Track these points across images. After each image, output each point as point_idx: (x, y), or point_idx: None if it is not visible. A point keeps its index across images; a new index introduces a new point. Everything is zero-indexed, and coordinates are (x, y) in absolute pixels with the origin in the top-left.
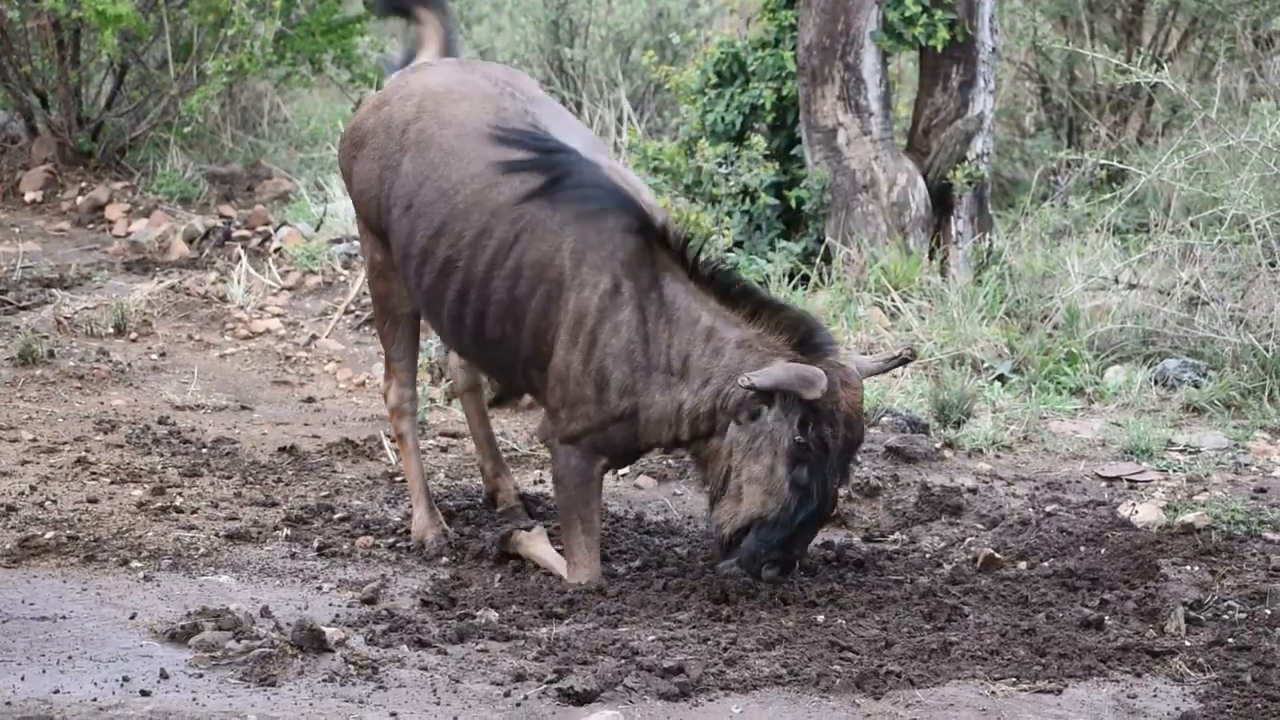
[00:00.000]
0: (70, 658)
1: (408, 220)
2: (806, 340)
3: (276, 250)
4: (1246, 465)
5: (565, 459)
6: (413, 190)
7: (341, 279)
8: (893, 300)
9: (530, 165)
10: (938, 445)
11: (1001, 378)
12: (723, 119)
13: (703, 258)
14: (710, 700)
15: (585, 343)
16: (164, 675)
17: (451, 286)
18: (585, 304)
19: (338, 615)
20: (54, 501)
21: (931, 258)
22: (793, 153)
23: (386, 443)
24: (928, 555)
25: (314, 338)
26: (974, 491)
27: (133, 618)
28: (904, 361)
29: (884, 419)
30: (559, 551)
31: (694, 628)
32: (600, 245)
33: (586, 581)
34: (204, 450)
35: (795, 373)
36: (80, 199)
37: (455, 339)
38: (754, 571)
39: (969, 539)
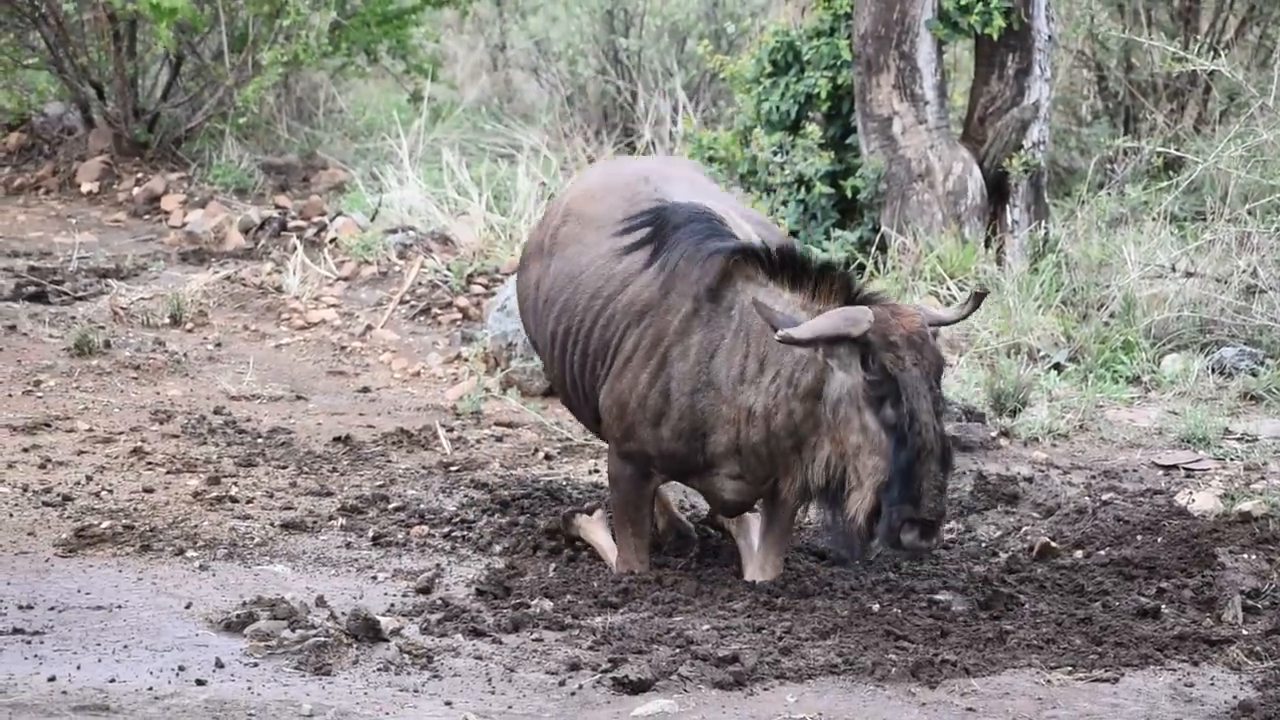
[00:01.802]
0: (126, 647)
1: (546, 311)
2: (855, 296)
3: (332, 240)
4: None
5: (620, 466)
6: (553, 285)
7: (397, 269)
8: (948, 289)
9: (640, 228)
10: (994, 434)
11: (1058, 366)
12: (778, 108)
13: (776, 257)
14: (765, 689)
15: (655, 364)
16: (219, 664)
17: (571, 357)
18: (664, 327)
19: (393, 604)
20: (110, 491)
21: (987, 246)
22: (848, 141)
23: (441, 432)
24: (984, 544)
25: (369, 328)
26: (1030, 480)
27: (188, 607)
28: (978, 299)
29: None
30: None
31: (749, 617)
32: (687, 274)
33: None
34: (259, 440)
35: (835, 317)
36: (136, 190)
37: (580, 412)
38: (896, 543)
39: (1025, 528)
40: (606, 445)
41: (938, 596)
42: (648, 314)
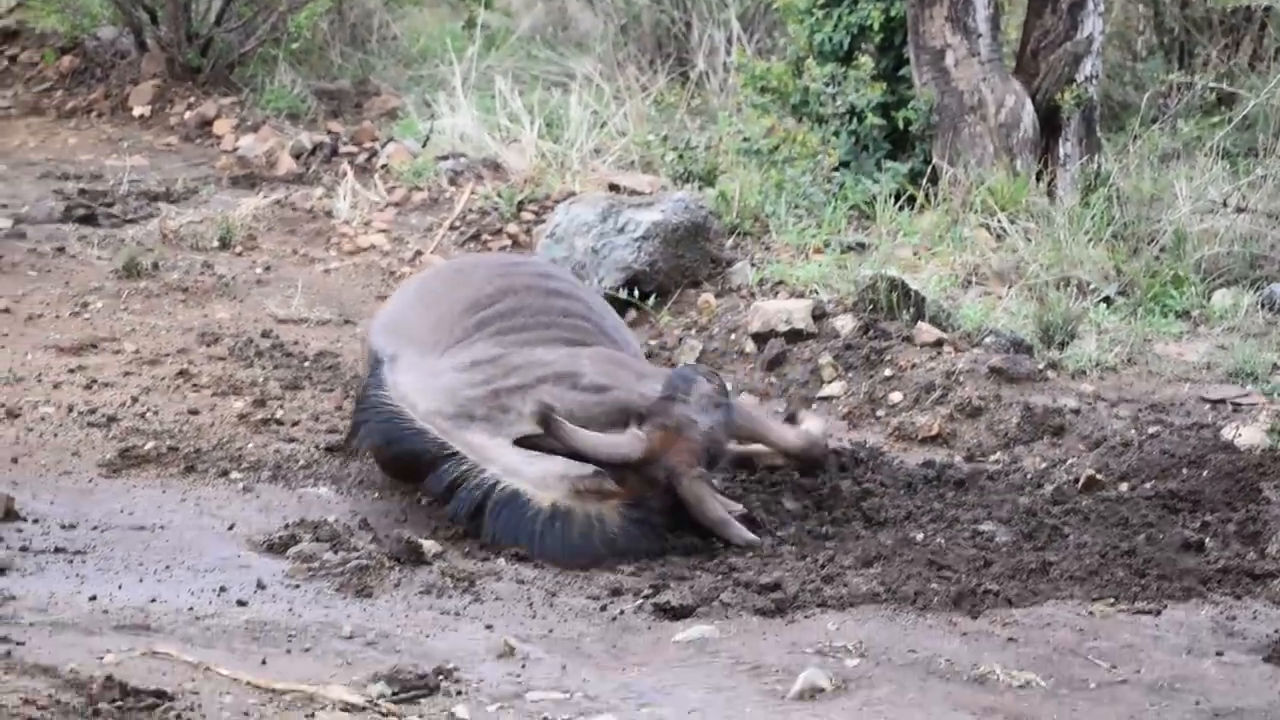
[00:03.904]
0: (168, 567)
1: None
2: None
3: (383, 166)
4: None
5: None
6: None
7: (447, 195)
8: (999, 222)
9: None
10: (1041, 366)
11: (1107, 300)
12: (830, 39)
13: None
14: (806, 617)
15: None
16: (261, 586)
17: None
18: None
19: (436, 528)
20: (155, 413)
21: (1039, 180)
22: (900, 73)
23: None
24: (1029, 475)
25: (419, 253)
26: (1076, 413)
27: (231, 528)
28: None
29: (987, 339)
30: None
31: (793, 545)
32: None
33: None
34: (306, 364)
35: None
36: (188, 114)
37: None
38: None
39: (1071, 460)
40: None
41: (982, 527)
42: None
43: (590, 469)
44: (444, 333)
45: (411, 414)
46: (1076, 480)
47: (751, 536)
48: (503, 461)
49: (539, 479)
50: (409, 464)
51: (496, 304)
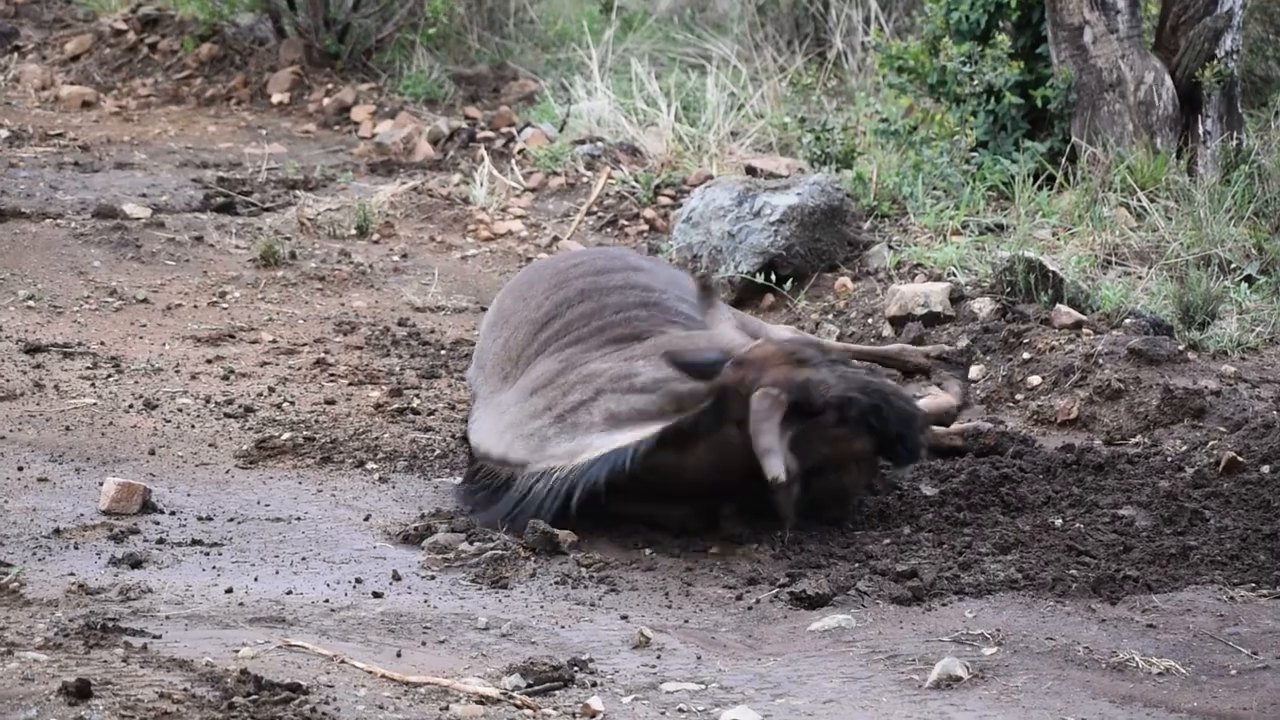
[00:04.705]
0: (304, 559)
1: None
2: None
3: (520, 152)
4: None
5: None
6: None
7: (584, 180)
8: (1139, 200)
9: None
10: (1181, 347)
11: (1249, 279)
12: (967, 17)
13: None
14: (943, 604)
15: None
16: (396, 577)
17: None
18: None
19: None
20: (292, 403)
21: (1179, 157)
22: (1038, 51)
23: None
24: (1169, 459)
25: (556, 239)
26: (1217, 394)
27: (367, 519)
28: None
29: (1127, 321)
30: None
31: (929, 532)
32: None
33: None
34: (442, 352)
35: None
36: (326, 101)
37: None
38: None
39: (1211, 442)
40: None
41: (1121, 511)
42: None
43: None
44: (510, 364)
45: (498, 470)
46: (1217, 463)
47: (780, 472)
48: (596, 443)
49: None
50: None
51: (553, 321)
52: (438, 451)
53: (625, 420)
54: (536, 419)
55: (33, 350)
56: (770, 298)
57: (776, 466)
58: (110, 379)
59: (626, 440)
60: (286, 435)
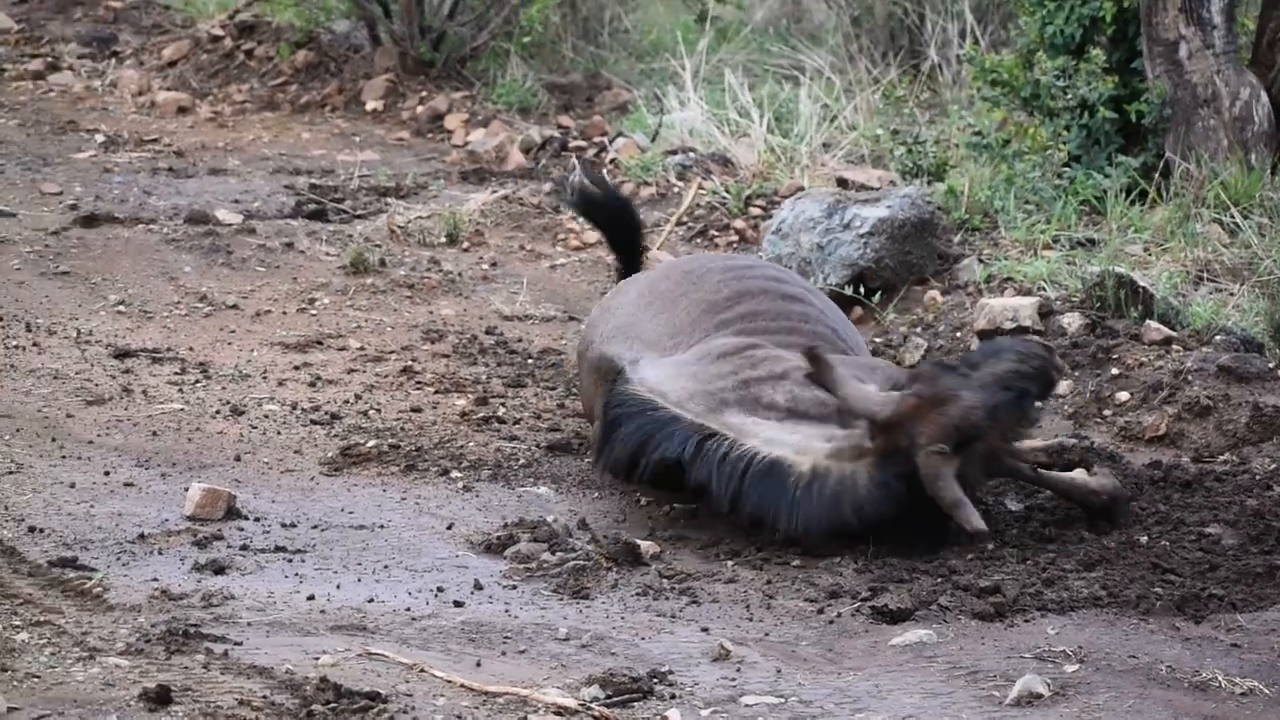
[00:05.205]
0: (386, 567)
1: None
2: None
3: (611, 161)
4: None
5: None
6: None
7: (675, 190)
8: (1232, 216)
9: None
10: (1272, 365)
11: None
12: (1062, 31)
13: None
14: (1026, 621)
15: None
16: (478, 586)
17: None
18: None
19: (654, 529)
20: (378, 410)
21: (1274, 173)
22: (1133, 66)
23: None
24: (1257, 477)
25: (645, 249)
26: None
27: (450, 528)
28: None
29: (1217, 338)
30: None
31: (1014, 547)
32: None
33: None
34: (529, 361)
35: None
36: (420, 108)
37: None
38: None
39: None
40: None
41: (1208, 529)
42: None
43: (855, 431)
44: (683, 335)
45: (664, 403)
46: None
47: (981, 524)
48: (763, 435)
49: (801, 445)
50: (671, 466)
51: (735, 307)
52: (522, 460)
53: (803, 411)
54: (722, 379)
55: (122, 355)
56: (859, 310)
57: (975, 520)
58: (198, 384)
59: (791, 456)
60: (372, 443)
